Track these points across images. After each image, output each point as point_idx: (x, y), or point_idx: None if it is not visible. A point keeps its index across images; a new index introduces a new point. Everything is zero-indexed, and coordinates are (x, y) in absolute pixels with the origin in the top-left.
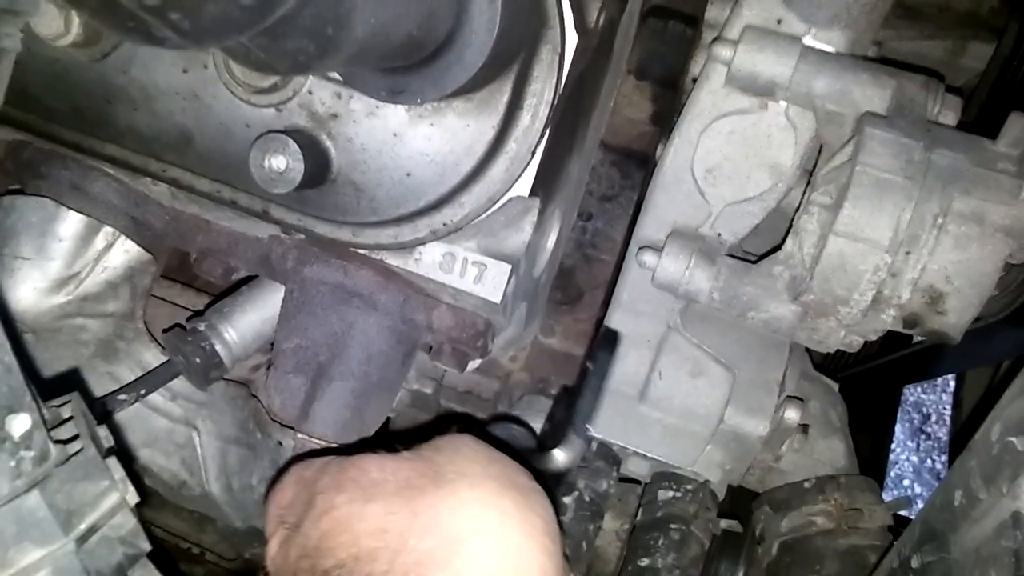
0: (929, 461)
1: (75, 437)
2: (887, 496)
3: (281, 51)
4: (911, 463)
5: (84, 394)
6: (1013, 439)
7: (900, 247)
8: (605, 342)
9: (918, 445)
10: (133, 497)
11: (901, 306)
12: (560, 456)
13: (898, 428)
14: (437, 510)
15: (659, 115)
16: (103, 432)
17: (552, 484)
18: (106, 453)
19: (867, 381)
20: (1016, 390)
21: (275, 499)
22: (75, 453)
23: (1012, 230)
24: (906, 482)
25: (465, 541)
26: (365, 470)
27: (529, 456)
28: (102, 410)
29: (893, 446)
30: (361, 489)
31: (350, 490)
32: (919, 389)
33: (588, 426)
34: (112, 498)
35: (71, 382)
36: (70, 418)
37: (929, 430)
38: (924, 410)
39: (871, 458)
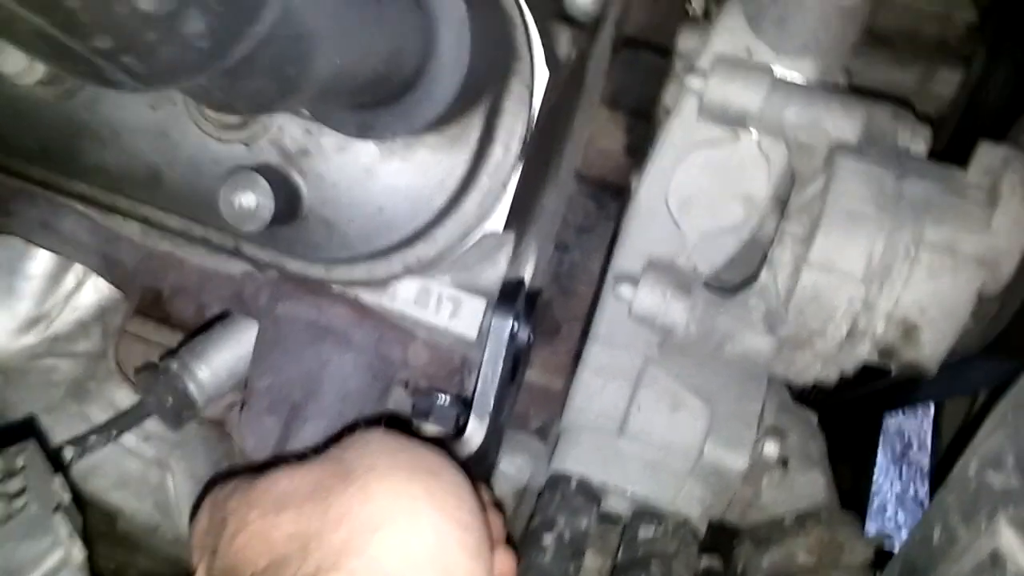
0: (912, 489)
1: (22, 491)
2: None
3: (241, 92)
4: (894, 491)
5: (47, 438)
6: (989, 476)
7: (874, 278)
8: (502, 301)
9: (900, 473)
10: (80, 553)
11: (876, 338)
12: (469, 440)
13: (880, 456)
14: (348, 505)
15: (633, 146)
16: (58, 482)
17: (471, 464)
18: (56, 507)
19: (847, 410)
20: (991, 425)
21: (194, 529)
22: (20, 509)
23: (984, 259)
24: (889, 510)
25: (378, 529)
26: (275, 481)
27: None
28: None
29: (876, 475)
30: (272, 501)
31: (261, 504)
32: (900, 416)
33: (565, 468)
34: (55, 557)
35: (33, 427)
36: (23, 468)
37: (911, 457)
38: (906, 437)
39: (853, 487)
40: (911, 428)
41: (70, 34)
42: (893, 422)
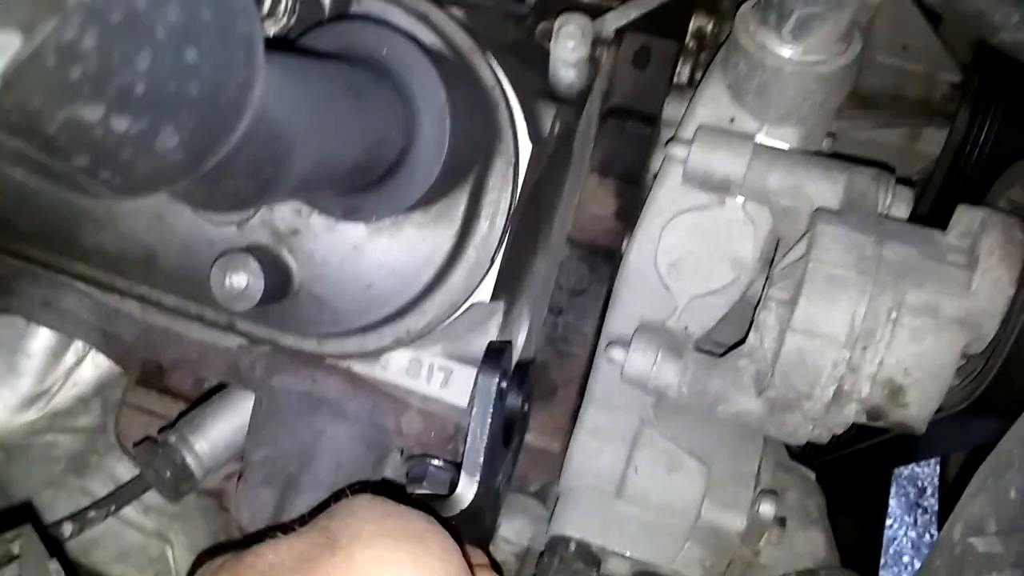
0: (927, 536)
1: None
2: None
3: (219, 193)
4: (909, 538)
5: (48, 513)
6: (973, 540)
7: (857, 342)
8: (487, 360)
9: (915, 520)
10: None
11: (862, 400)
12: (460, 498)
13: (894, 503)
14: (333, 575)
15: (623, 210)
16: (53, 568)
17: (463, 524)
18: None
19: (854, 463)
20: (974, 489)
21: None
22: None
23: (966, 321)
24: (906, 558)
25: None
26: (261, 555)
27: (433, 502)
28: (77, 528)
29: (890, 522)
30: (257, 573)
31: None
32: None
33: (563, 531)
34: None
35: (31, 510)
36: (18, 555)
37: (925, 504)
38: (919, 483)
39: (863, 539)
40: (924, 475)
41: (49, 155)
42: (905, 469)
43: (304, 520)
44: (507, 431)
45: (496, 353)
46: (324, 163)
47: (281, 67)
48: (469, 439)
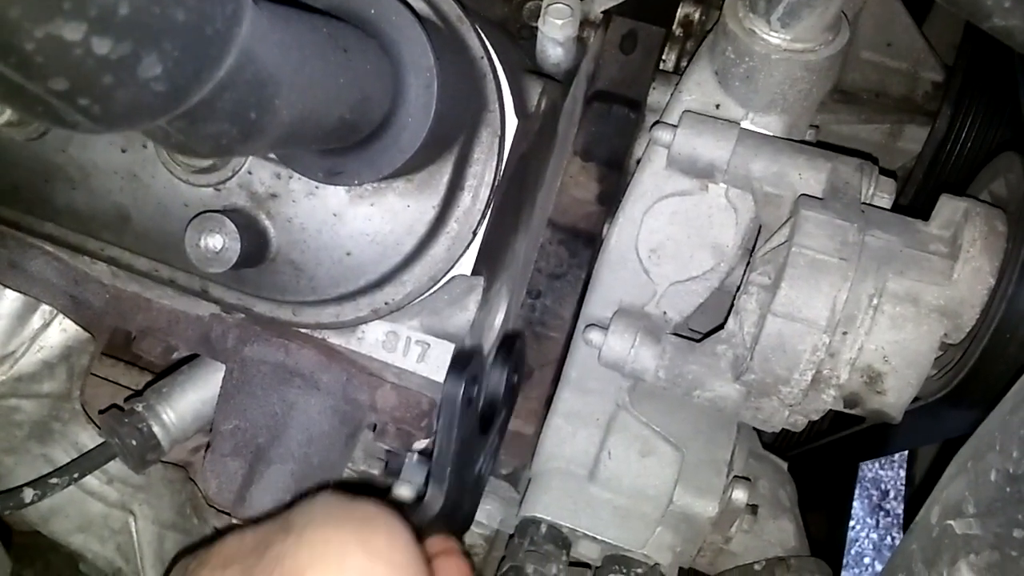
0: (889, 538)
1: None
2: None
3: (201, 135)
4: (871, 540)
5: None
6: (951, 522)
7: (837, 327)
8: (453, 368)
9: (877, 522)
10: None
11: (840, 386)
12: (428, 507)
13: (857, 504)
14: (283, 552)
15: (605, 195)
16: None
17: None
18: None
19: (821, 457)
20: (953, 472)
21: None
22: None
23: (946, 310)
24: (867, 559)
25: (307, 569)
26: (227, 543)
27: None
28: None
29: (853, 523)
30: (221, 558)
31: (212, 563)
32: (876, 465)
33: (535, 514)
34: None
35: None
36: None
37: (888, 506)
38: (882, 486)
39: (828, 536)
40: (887, 477)
41: (26, 76)
42: (869, 471)
43: (269, 515)
44: (487, 418)
45: (462, 360)
46: (310, 115)
47: (270, 11)
48: (436, 449)
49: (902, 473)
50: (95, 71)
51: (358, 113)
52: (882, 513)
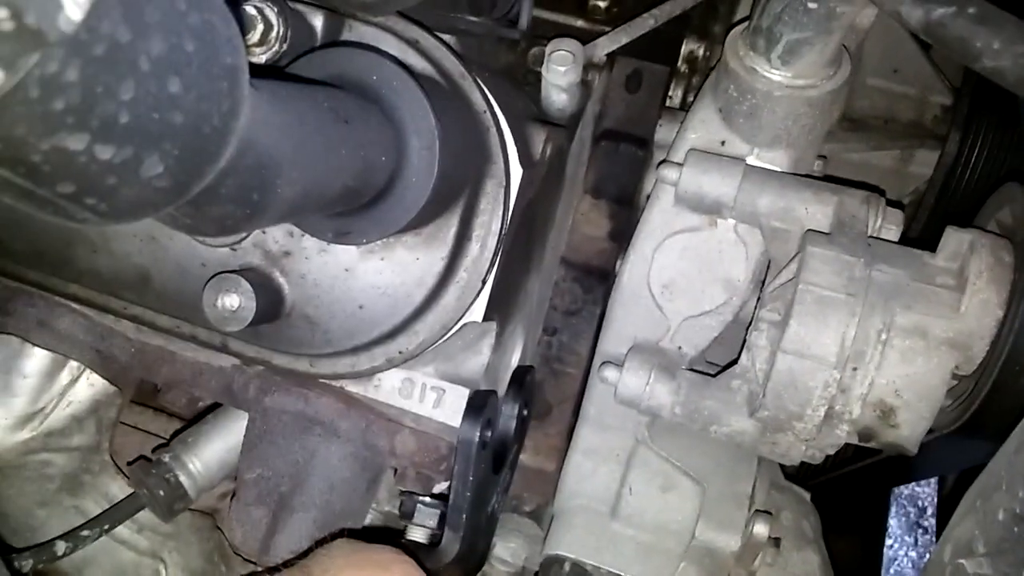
0: (928, 555)
1: None
2: None
3: (207, 218)
4: (910, 558)
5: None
6: (963, 561)
7: (847, 363)
8: (468, 413)
9: (915, 540)
10: None
11: (854, 420)
12: (444, 552)
13: (894, 523)
14: None
15: (616, 232)
16: None
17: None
18: None
19: (847, 484)
20: (963, 511)
21: None
22: None
23: (955, 343)
24: None
25: None
26: None
27: (419, 552)
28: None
29: (891, 542)
30: None
31: None
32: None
33: (558, 552)
34: None
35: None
36: None
37: (926, 524)
38: (919, 503)
39: (864, 558)
40: (924, 494)
41: (35, 183)
42: (905, 489)
43: (287, 564)
44: (499, 456)
45: (477, 405)
46: (313, 188)
47: (269, 93)
48: (452, 495)
49: (938, 489)
50: (100, 175)
51: (361, 180)
52: (920, 531)
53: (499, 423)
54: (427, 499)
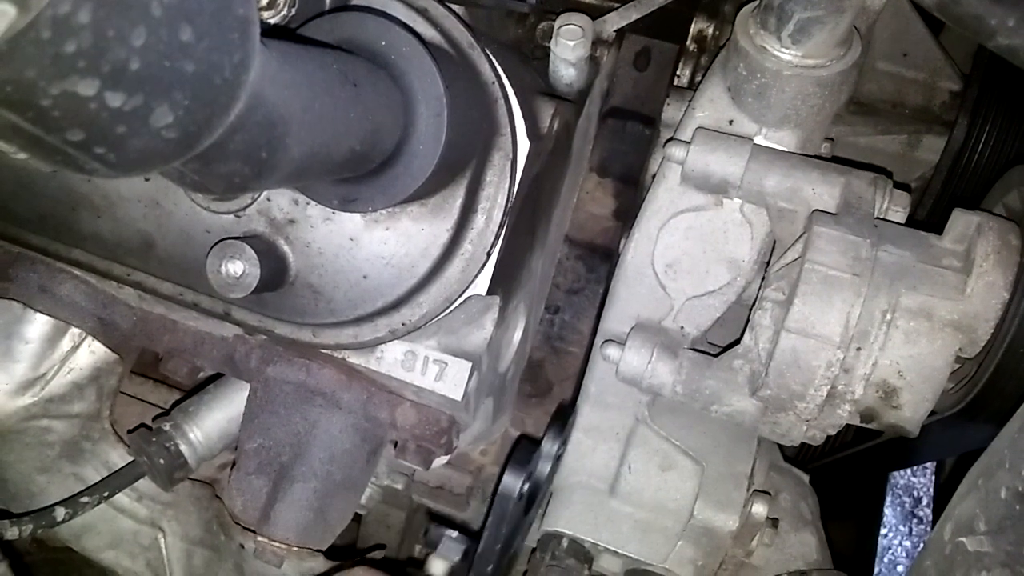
0: (922, 545)
1: None
2: None
3: (214, 175)
4: (904, 548)
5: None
6: (963, 539)
7: (851, 343)
8: (514, 464)
9: (910, 529)
10: None
11: (856, 401)
12: None
13: (889, 512)
14: None
15: (621, 210)
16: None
17: None
18: None
19: (846, 468)
20: (964, 489)
21: None
22: None
23: (960, 325)
24: (901, 567)
25: None
26: None
27: None
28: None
29: (886, 531)
30: None
31: None
32: (908, 472)
33: (556, 528)
34: None
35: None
36: None
37: (921, 513)
38: (915, 493)
39: (859, 544)
40: (919, 484)
41: (44, 129)
42: (901, 478)
43: None
44: (531, 497)
45: (523, 461)
46: (320, 149)
47: (279, 52)
48: (482, 544)
49: (935, 479)
50: (109, 122)
51: (369, 145)
52: (915, 520)
53: (537, 469)
54: (454, 533)
